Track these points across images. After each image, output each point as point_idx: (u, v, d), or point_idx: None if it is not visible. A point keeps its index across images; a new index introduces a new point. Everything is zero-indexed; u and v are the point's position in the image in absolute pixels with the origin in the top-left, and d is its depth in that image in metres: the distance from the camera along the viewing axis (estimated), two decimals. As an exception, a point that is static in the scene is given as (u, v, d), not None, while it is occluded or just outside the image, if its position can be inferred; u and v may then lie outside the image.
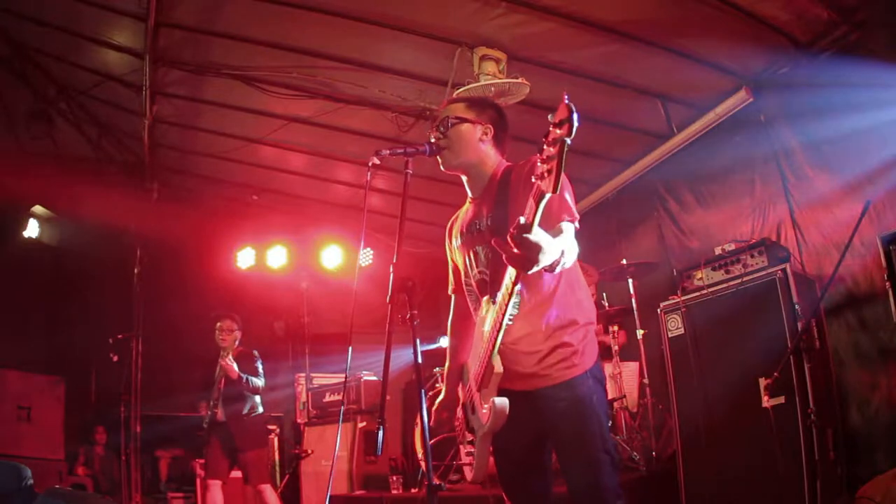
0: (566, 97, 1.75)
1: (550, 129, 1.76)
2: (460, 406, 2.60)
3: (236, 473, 5.62)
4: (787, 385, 3.78)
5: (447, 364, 2.73)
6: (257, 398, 5.67)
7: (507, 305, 2.14)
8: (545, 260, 1.94)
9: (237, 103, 5.74)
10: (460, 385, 2.63)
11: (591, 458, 2.26)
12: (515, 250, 1.90)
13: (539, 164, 1.81)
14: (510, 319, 2.19)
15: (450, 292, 2.78)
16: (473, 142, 2.52)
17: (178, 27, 4.84)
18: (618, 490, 2.28)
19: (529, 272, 1.98)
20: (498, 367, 2.27)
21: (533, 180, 1.85)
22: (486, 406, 2.33)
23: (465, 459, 2.53)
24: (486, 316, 2.36)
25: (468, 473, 2.50)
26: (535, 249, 1.90)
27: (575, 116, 1.70)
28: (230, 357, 5.47)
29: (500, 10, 4.30)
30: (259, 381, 5.60)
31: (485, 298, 2.42)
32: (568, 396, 2.29)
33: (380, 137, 5.81)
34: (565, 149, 1.73)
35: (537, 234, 1.90)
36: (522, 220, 1.89)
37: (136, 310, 6.87)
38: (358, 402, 6.77)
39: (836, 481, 3.72)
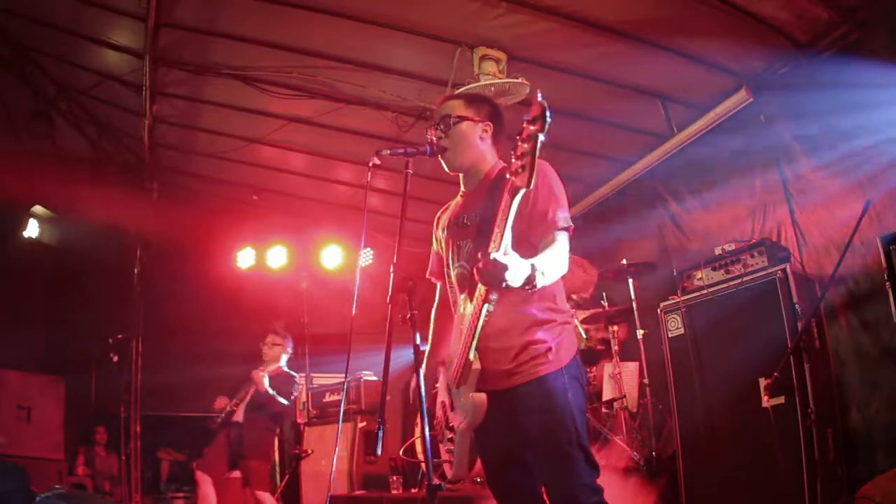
0: (539, 95, 1.80)
1: (524, 125, 1.80)
2: (439, 404, 2.60)
3: (235, 473, 5.62)
4: (787, 385, 3.78)
5: (427, 352, 2.72)
6: (276, 415, 5.69)
7: (481, 307, 2.18)
8: (513, 279, 2.02)
9: (237, 103, 5.74)
10: (441, 379, 2.62)
11: (563, 453, 2.25)
12: (482, 267, 1.99)
13: (514, 160, 1.84)
14: (486, 315, 2.21)
15: (427, 276, 2.79)
16: (474, 140, 2.55)
17: (178, 27, 4.84)
18: (595, 486, 2.27)
19: (497, 289, 2.07)
20: (476, 363, 2.29)
21: (508, 176, 1.89)
22: (464, 402, 2.34)
23: (445, 457, 2.53)
24: (465, 313, 2.37)
25: (448, 471, 2.50)
26: (501, 268, 1.99)
27: (548, 113, 1.75)
28: (265, 371, 5.47)
29: (500, 10, 4.30)
30: (285, 401, 5.62)
31: (462, 295, 2.44)
32: (541, 393, 2.29)
33: (380, 137, 5.81)
34: (539, 144, 1.79)
35: (504, 257, 1.99)
36: (493, 235, 2.00)
37: (136, 310, 6.87)
38: (358, 402, 6.76)
39: (836, 481, 3.72)
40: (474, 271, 2.05)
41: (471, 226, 2.49)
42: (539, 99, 1.79)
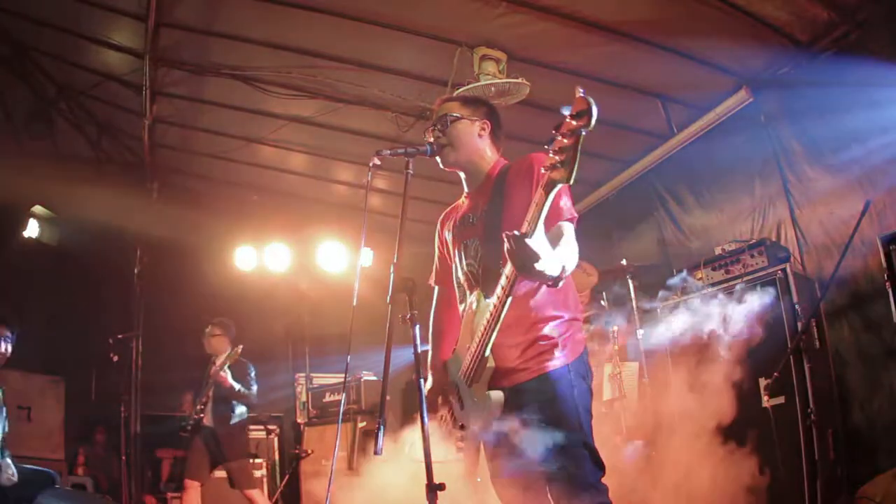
0: (581, 90, 1.78)
1: (567, 120, 1.80)
2: (444, 403, 2.59)
3: (221, 474, 5.63)
4: (787, 385, 3.78)
5: (430, 355, 2.71)
6: (244, 408, 5.69)
7: (504, 300, 2.15)
8: (542, 268, 1.98)
9: (237, 103, 5.74)
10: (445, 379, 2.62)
11: (569, 451, 2.25)
12: (512, 250, 1.95)
13: (551, 154, 1.83)
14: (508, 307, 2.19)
15: (430, 283, 2.80)
16: (472, 138, 2.56)
17: (178, 27, 4.84)
18: (600, 485, 2.26)
19: (524, 276, 2.02)
20: (491, 361, 2.29)
21: (542, 171, 1.87)
22: (478, 400, 2.33)
23: (451, 457, 2.52)
24: (478, 310, 2.36)
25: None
26: (532, 257, 1.95)
27: (594, 109, 1.74)
28: (225, 368, 5.46)
29: (501, 10, 4.31)
30: (251, 392, 5.62)
31: (475, 292, 2.43)
32: (547, 389, 2.29)
33: (380, 137, 5.81)
34: (581, 140, 1.76)
35: (536, 242, 1.95)
36: (525, 225, 1.94)
37: (136, 310, 6.86)
38: (358, 402, 6.77)
39: (836, 481, 3.72)
40: (506, 249, 1.98)
41: (477, 224, 2.50)
42: (582, 94, 1.79)
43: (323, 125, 5.89)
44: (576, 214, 2.34)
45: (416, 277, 2.30)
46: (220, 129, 6.24)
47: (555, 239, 2.23)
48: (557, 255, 2.10)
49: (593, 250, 5.97)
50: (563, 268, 2.12)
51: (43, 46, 5.63)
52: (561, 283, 2.14)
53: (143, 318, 6.85)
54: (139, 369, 6.64)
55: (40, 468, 4.23)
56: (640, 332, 5.06)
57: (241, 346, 5.64)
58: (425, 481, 2.06)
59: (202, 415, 5.53)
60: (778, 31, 4.35)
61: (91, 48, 5.35)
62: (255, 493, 5.54)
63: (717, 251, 4.58)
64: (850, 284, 4.13)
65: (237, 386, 5.51)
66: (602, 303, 5.51)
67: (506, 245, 1.98)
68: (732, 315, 4.15)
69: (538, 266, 1.97)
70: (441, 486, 2.06)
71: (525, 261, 1.96)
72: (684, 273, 4.73)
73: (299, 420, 7.44)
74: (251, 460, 6.19)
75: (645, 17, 4.34)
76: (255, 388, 5.72)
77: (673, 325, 4.53)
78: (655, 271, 5.38)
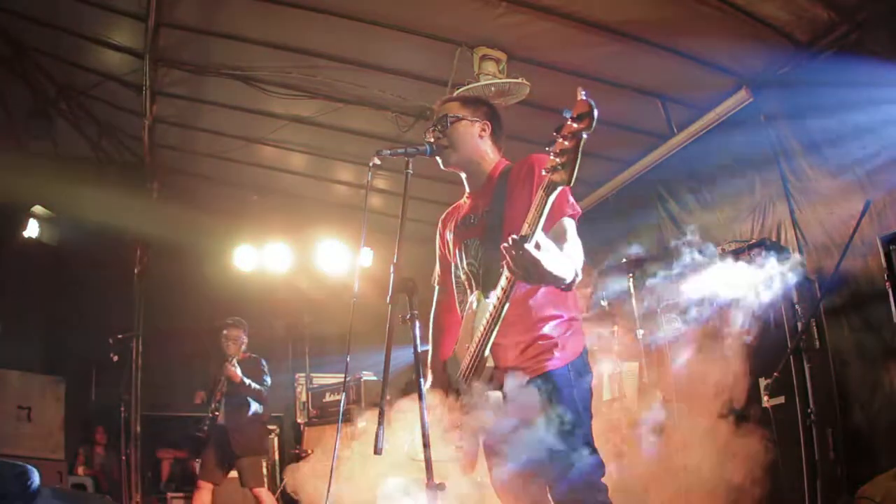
0: (583, 93, 1.78)
1: (567, 122, 1.80)
2: (443, 402, 2.58)
3: (233, 474, 5.63)
4: (787, 385, 3.78)
5: (430, 357, 2.71)
6: (258, 404, 5.69)
7: (504, 301, 2.15)
8: (548, 271, 1.96)
9: (237, 103, 5.74)
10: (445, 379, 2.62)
11: (570, 450, 2.24)
12: (510, 260, 1.95)
13: (552, 156, 1.83)
14: (507, 308, 2.19)
15: (434, 283, 2.80)
16: (472, 139, 2.56)
17: (178, 27, 4.85)
18: (600, 484, 2.27)
19: (532, 283, 2.01)
20: (490, 360, 2.29)
21: (543, 173, 1.88)
22: (477, 400, 2.33)
23: (450, 456, 2.51)
24: (478, 310, 2.36)
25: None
26: (534, 263, 1.93)
27: (595, 112, 1.74)
28: (234, 362, 5.48)
29: (501, 10, 4.31)
30: (263, 386, 5.64)
31: (476, 292, 2.43)
32: (546, 389, 2.28)
33: (380, 137, 5.81)
34: (582, 142, 1.77)
35: (542, 249, 1.93)
36: (525, 227, 1.92)
37: (136, 310, 6.86)
38: (358, 402, 6.76)
39: (836, 481, 3.72)
40: (503, 249, 1.97)
41: (477, 224, 2.50)
42: (584, 97, 1.79)
43: (323, 125, 5.90)
44: (578, 210, 2.33)
45: (416, 277, 2.29)
46: (220, 129, 6.24)
47: (557, 237, 2.22)
48: (567, 255, 2.08)
49: (593, 250, 5.97)
50: (575, 271, 2.10)
51: (43, 46, 5.63)
52: (575, 286, 2.13)
53: (143, 318, 6.84)
54: (139, 369, 6.63)
55: (16, 462, 4.13)
56: (640, 331, 5.06)
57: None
58: (425, 481, 2.06)
59: (217, 413, 5.53)
60: (778, 31, 4.35)
61: (91, 48, 5.36)
62: (262, 492, 5.53)
63: (717, 251, 4.57)
64: (850, 284, 4.13)
65: (247, 381, 5.52)
66: (602, 302, 5.51)
67: (507, 258, 1.96)
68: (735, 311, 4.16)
69: (542, 271, 1.96)
70: (441, 486, 2.06)
71: (528, 267, 1.95)
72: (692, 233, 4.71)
73: (299, 420, 7.44)
74: (262, 459, 6.18)
75: (645, 17, 4.34)
76: (268, 380, 5.74)
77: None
78: (654, 260, 5.36)
